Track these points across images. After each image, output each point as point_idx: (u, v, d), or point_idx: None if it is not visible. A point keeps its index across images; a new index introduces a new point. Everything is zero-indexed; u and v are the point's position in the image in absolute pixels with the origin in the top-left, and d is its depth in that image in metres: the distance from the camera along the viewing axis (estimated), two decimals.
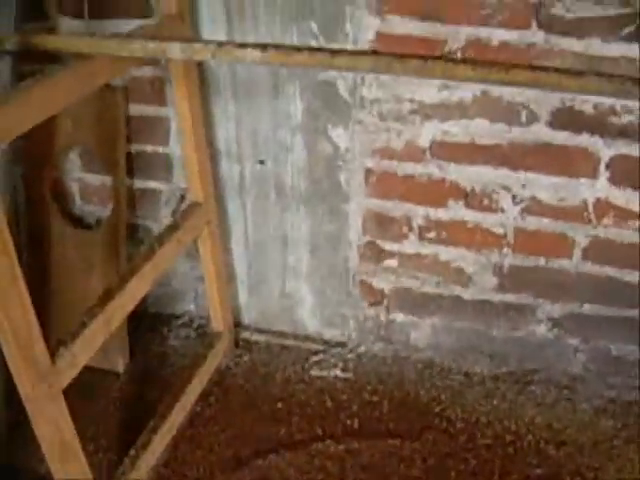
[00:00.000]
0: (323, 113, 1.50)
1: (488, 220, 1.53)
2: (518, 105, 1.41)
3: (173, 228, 1.44)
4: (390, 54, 1.00)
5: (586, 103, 1.38)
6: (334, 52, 1.00)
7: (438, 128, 1.45)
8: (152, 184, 1.72)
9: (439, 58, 0.97)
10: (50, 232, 1.71)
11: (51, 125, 1.61)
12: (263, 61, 1.03)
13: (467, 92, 1.41)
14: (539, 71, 0.95)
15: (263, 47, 1.02)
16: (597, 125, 1.40)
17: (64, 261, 1.70)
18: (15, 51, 1.25)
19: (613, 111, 1.37)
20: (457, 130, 1.45)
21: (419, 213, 1.56)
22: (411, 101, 1.45)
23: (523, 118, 1.42)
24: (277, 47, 1.03)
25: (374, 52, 1.02)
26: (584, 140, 1.41)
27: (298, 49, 1.01)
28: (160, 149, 1.66)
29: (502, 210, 1.51)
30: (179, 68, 1.38)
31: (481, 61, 0.96)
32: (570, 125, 1.41)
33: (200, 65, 1.49)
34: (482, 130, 1.44)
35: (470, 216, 1.53)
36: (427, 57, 0.96)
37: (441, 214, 1.55)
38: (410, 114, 1.46)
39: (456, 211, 1.53)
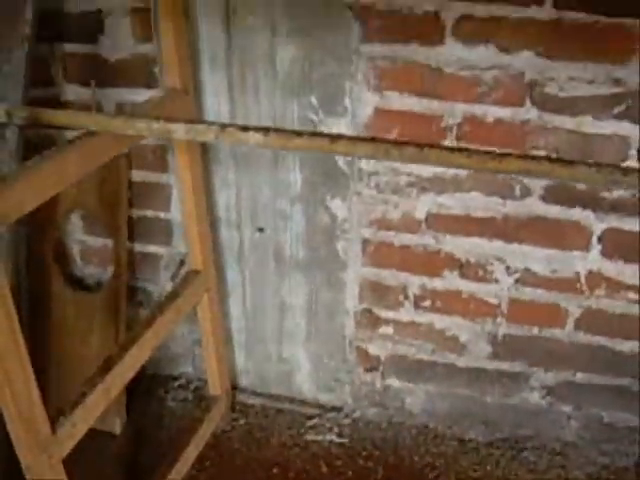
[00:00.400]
0: (322, 184, 1.53)
1: (482, 290, 1.55)
2: (512, 180, 1.44)
3: (173, 296, 1.46)
4: (387, 141, 1.03)
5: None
6: (333, 138, 1.03)
7: (434, 201, 1.49)
8: (152, 248, 1.75)
9: (434, 146, 1.00)
10: (51, 293, 1.74)
11: None
12: (265, 144, 1.06)
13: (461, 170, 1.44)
14: (531, 160, 0.97)
15: (265, 131, 1.05)
16: (589, 200, 1.43)
17: (64, 323, 1.72)
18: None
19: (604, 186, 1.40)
20: (453, 203, 1.48)
21: (415, 282, 1.58)
22: (408, 174, 1.48)
23: (517, 192, 1.45)
24: (278, 131, 1.06)
25: (372, 139, 1.04)
26: (577, 214, 1.44)
27: (299, 134, 1.04)
28: (161, 214, 1.69)
29: (496, 281, 1.54)
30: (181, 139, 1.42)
31: (475, 150, 0.99)
32: (563, 199, 1.44)
33: None
34: (477, 203, 1.47)
35: (465, 286, 1.56)
36: (423, 145, 0.99)
37: (436, 284, 1.57)
38: (407, 187, 1.49)
39: (451, 281, 1.56)
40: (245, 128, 1.07)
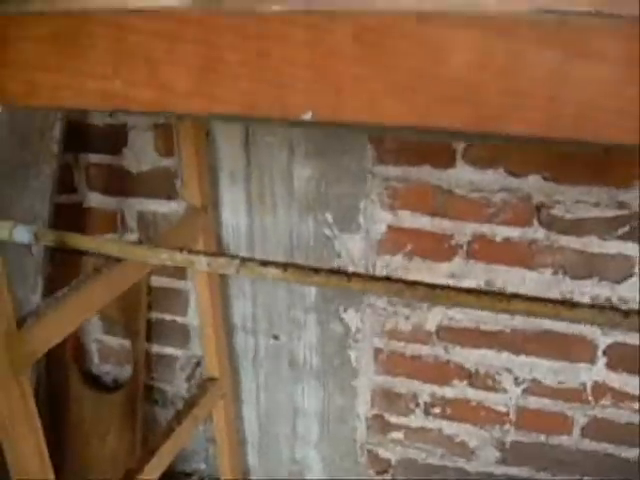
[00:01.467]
0: (336, 295, 1.58)
1: (491, 399, 1.59)
2: None
3: (190, 405, 1.51)
4: (400, 280, 1.08)
5: (584, 295, 1.46)
6: (349, 276, 1.08)
7: (444, 314, 1.53)
8: (169, 350, 1.79)
9: (445, 287, 1.05)
10: (69, 392, 1.78)
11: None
12: (283, 279, 1.11)
13: (472, 281, 1.49)
14: (537, 302, 1.02)
15: (284, 267, 1.10)
16: None
17: (82, 422, 1.75)
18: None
19: (609, 302, 1.45)
20: (462, 316, 1.53)
21: (425, 390, 1.62)
22: None
23: None
24: (296, 267, 1.11)
25: (387, 278, 1.10)
26: (583, 329, 1.49)
27: (316, 270, 1.09)
28: (178, 319, 1.74)
29: (504, 390, 1.57)
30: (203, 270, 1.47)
31: (484, 290, 1.04)
32: None
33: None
34: (486, 317, 1.51)
35: (474, 395, 1.60)
36: (434, 285, 1.04)
37: (446, 392, 1.61)
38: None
39: (460, 390, 1.60)
40: (265, 263, 1.12)
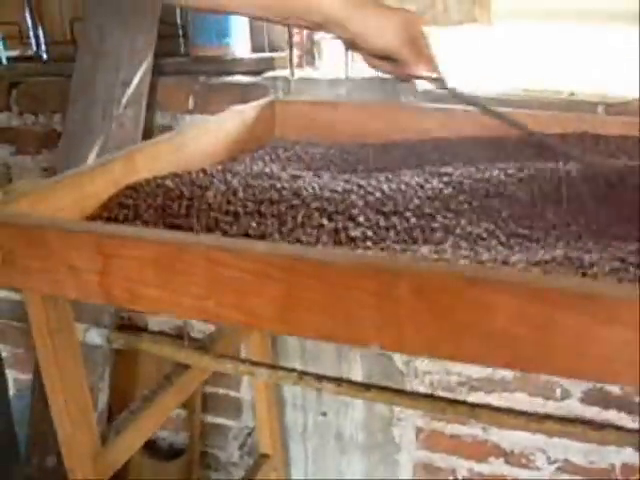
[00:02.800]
0: (380, 380, 1.70)
1: (525, 475, 1.69)
2: (554, 383, 1.59)
3: None
4: (444, 399, 1.19)
5: (614, 385, 1.56)
6: (397, 392, 1.19)
7: (482, 398, 1.64)
8: (222, 420, 1.92)
9: (485, 406, 1.15)
10: (129, 460, 1.90)
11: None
12: (337, 393, 1.23)
13: (508, 371, 1.60)
14: (567, 423, 1.13)
15: (338, 382, 1.22)
16: (624, 403, 1.58)
17: None
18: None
19: (636, 391, 1.55)
20: (500, 402, 1.63)
21: (464, 466, 1.73)
22: (459, 374, 1.64)
23: (558, 394, 1.60)
24: (350, 382, 1.23)
25: (431, 396, 1.21)
26: (612, 415, 1.59)
27: (367, 387, 1.20)
28: (232, 393, 1.86)
29: (538, 468, 1.68)
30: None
31: (522, 412, 1.15)
32: (600, 402, 1.59)
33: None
34: (521, 403, 1.62)
35: (509, 471, 1.70)
36: (475, 405, 1.15)
37: (483, 468, 1.72)
38: (458, 385, 1.65)
39: (497, 466, 1.70)
40: (320, 377, 1.24)
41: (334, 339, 0.71)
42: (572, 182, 0.99)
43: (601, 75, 1.51)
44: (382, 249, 0.79)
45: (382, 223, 0.85)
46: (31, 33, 1.91)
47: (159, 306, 0.77)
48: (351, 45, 1.04)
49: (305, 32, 1.68)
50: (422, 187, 0.97)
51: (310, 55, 1.71)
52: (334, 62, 1.68)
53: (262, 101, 1.42)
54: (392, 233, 0.83)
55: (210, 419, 1.94)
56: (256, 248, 0.70)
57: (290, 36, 1.65)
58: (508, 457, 1.69)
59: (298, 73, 1.62)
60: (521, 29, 1.60)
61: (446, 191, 0.95)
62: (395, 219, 0.87)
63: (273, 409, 1.72)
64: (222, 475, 1.99)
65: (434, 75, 1.06)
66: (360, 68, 1.55)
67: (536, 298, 0.61)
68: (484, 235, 0.82)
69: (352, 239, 0.82)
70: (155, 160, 1.13)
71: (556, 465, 1.67)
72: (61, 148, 1.70)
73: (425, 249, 0.78)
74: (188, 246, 0.72)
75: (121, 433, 1.17)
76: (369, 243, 0.81)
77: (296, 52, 1.67)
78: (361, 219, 0.86)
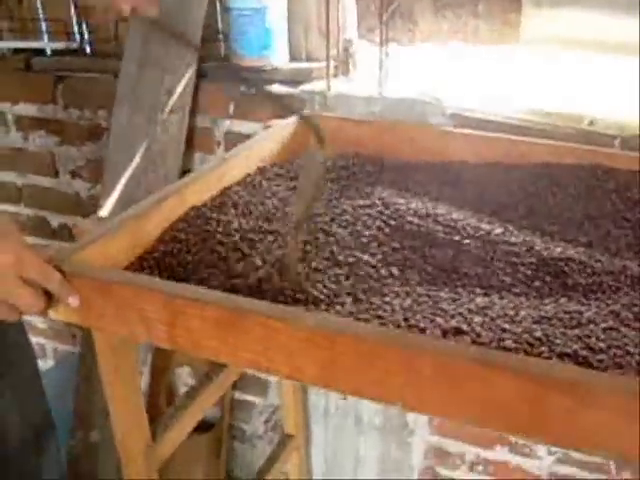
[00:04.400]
0: None
1: (527, 464, 1.85)
2: None
3: (271, 462, 1.79)
4: None
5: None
6: None
7: None
8: (249, 397, 2.08)
9: None
10: None
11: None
12: None
13: None
14: None
15: None
16: None
17: (173, 460, 2.05)
18: None
19: None
20: None
21: (471, 451, 1.89)
22: None
23: None
24: None
25: None
26: None
27: None
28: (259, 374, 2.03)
29: (539, 458, 1.83)
30: None
31: None
32: None
33: None
34: None
35: (512, 458, 1.86)
36: None
37: (489, 454, 1.88)
38: None
39: (502, 454, 1.86)
40: None
41: (365, 396, 0.85)
42: None
43: (622, 105, 1.61)
44: None
45: None
46: (75, 28, 2.02)
47: (218, 356, 0.91)
48: None
49: (341, 43, 1.79)
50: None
51: (345, 65, 1.82)
52: (368, 73, 1.78)
53: (297, 117, 1.52)
54: None
55: (238, 395, 2.10)
56: (306, 320, 0.84)
57: (328, 48, 1.75)
58: (513, 446, 1.84)
59: (334, 85, 1.73)
60: (548, 53, 1.69)
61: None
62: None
63: (298, 392, 1.88)
64: (247, 447, 2.16)
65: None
66: (393, 86, 1.67)
67: (532, 381, 0.75)
68: None
69: None
70: (204, 192, 1.27)
71: (556, 456, 1.81)
72: (108, 149, 1.83)
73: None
74: (246, 312, 0.86)
75: (167, 430, 1.33)
76: None
77: (332, 62, 1.78)
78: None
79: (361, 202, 1.20)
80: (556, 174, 1.38)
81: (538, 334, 0.88)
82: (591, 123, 1.57)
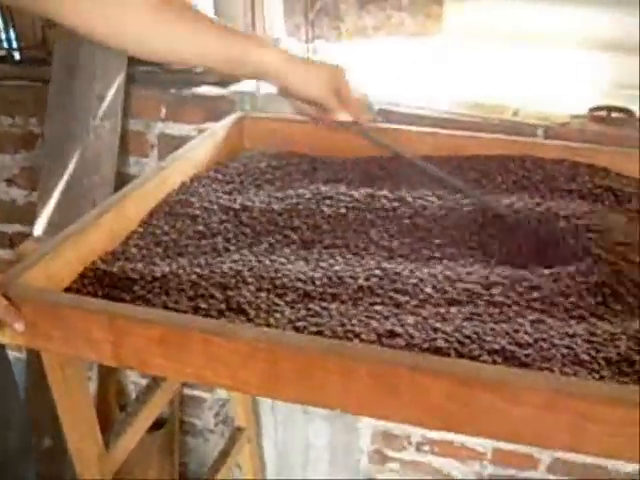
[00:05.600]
0: None
1: (472, 441, 1.92)
2: None
3: (224, 455, 1.83)
4: None
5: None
6: None
7: None
8: (198, 392, 2.12)
9: None
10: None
11: None
12: None
13: None
14: None
15: None
16: None
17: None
18: None
19: None
20: None
21: (417, 432, 1.95)
22: None
23: None
24: None
25: None
26: None
27: None
28: None
29: None
30: None
31: None
32: None
33: None
34: None
35: (457, 437, 1.93)
36: None
37: (434, 435, 1.94)
38: None
39: (446, 434, 1.92)
40: None
41: (306, 403, 0.89)
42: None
43: (544, 95, 1.67)
44: None
45: None
46: (3, 35, 2.01)
47: (165, 372, 0.95)
48: (284, 93, 1.24)
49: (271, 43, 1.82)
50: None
51: None
52: None
53: (231, 118, 1.55)
54: None
55: (188, 391, 2.13)
56: (245, 334, 0.88)
57: None
58: None
59: (264, 85, 1.76)
60: (470, 44, 1.74)
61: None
62: None
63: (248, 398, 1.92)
64: (200, 441, 2.20)
65: (352, 120, 1.25)
66: None
67: (461, 383, 0.81)
68: None
69: None
70: (144, 202, 1.29)
71: None
72: (42, 157, 1.83)
73: None
74: (188, 329, 0.90)
75: (120, 436, 1.35)
76: None
77: None
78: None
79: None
80: (485, 166, 1.42)
81: (468, 332, 0.93)
82: (515, 113, 1.63)
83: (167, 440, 2.06)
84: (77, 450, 1.26)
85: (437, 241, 1.16)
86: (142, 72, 1.84)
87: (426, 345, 0.91)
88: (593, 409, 0.77)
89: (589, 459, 1.85)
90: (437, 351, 0.90)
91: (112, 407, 2.10)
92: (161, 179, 1.34)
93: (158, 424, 2.12)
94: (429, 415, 0.84)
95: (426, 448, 1.98)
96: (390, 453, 2.02)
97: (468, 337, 0.92)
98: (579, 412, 0.77)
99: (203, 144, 1.47)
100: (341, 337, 0.92)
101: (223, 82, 1.79)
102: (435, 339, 0.91)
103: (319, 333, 0.93)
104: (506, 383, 0.79)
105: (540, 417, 0.79)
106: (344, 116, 1.23)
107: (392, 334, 0.92)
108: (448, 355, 0.89)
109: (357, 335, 0.92)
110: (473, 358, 0.89)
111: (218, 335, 0.88)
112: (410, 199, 1.26)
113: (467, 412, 0.81)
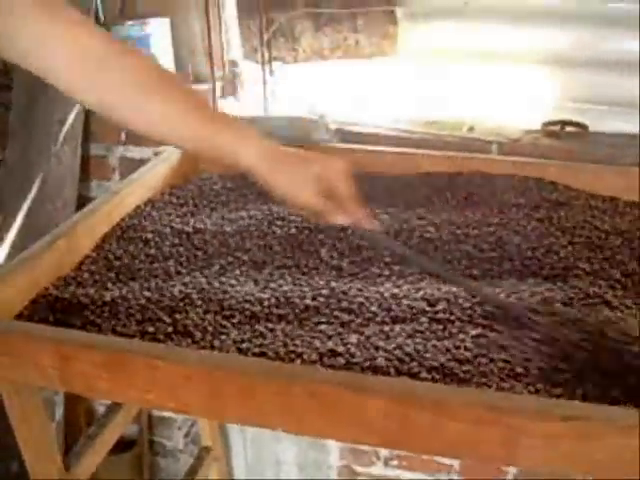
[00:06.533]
0: None
1: None
2: None
3: (192, 473, 1.84)
4: None
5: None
6: None
7: None
8: (167, 413, 2.12)
9: None
10: None
11: None
12: None
13: None
14: None
15: None
16: None
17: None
18: None
19: None
20: None
21: None
22: None
23: None
24: None
25: None
26: None
27: None
28: None
29: None
30: None
31: None
32: None
33: None
34: None
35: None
36: None
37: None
38: None
39: None
40: None
41: (248, 424, 0.91)
42: None
43: (498, 111, 1.70)
44: None
45: None
46: None
47: (110, 396, 0.96)
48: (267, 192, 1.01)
49: (227, 64, 1.84)
50: None
51: (232, 86, 1.87)
52: (255, 92, 1.84)
53: None
54: None
55: (157, 412, 2.13)
56: (187, 357, 0.89)
57: (212, 70, 1.79)
58: None
59: (221, 105, 1.78)
60: (426, 63, 1.77)
61: None
62: None
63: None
64: (171, 461, 2.20)
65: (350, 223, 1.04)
66: (279, 105, 1.73)
67: (397, 402, 0.82)
68: None
69: None
70: (97, 227, 1.30)
71: None
72: (3, 183, 1.84)
73: None
74: (131, 353, 0.91)
75: (80, 458, 1.36)
76: None
77: (219, 83, 1.82)
78: None
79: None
80: (436, 183, 1.45)
81: (409, 349, 0.94)
82: (470, 129, 1.65)
83: (136, 461, 2.07)
84: (36, 473, 1.26)
85: (387, 259, 1.17)
86: None
87: (367, 364, 0.92)
88: (523, 423, 0.79)
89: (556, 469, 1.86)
90: (377, 369, 0.91)
91: (82, 429, 2.10)
92: (114, 203, 1.35)
93: (127, 445, 2.13)
94: (367, 433, 0.85)
95: (394, 463, 1.99)
96: (359, 469, 2.03)
97: (408, 354, 0.93)
98: (511, 426, 0.79)
99: (158, 167, 1.48)
100: (283, 358, 0.93)
101: None
102: (375, 358, 0.93)
103: (262, 354, 0.94)
104: (440, 400, 0.81)
105: (475, 432, 0.80)
106: (341, 220, 1.01)
107: (334, 353, 0.94)
108: (388, 373, 0.90)
109: (299, 355, 0.94)
110: (412, 375, 0.90)
111: (160, 359, 0.89)
112: None
113: (404, 429, 0.83)
